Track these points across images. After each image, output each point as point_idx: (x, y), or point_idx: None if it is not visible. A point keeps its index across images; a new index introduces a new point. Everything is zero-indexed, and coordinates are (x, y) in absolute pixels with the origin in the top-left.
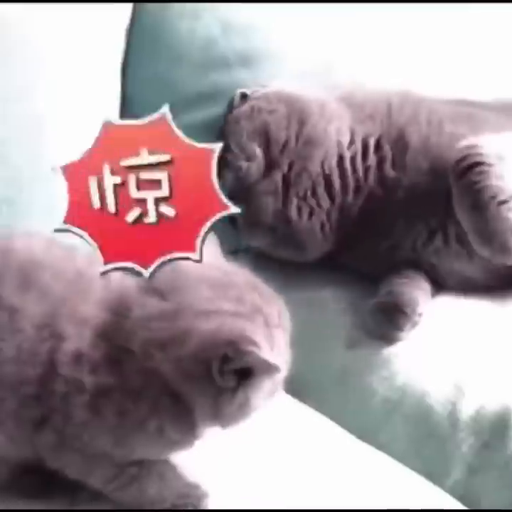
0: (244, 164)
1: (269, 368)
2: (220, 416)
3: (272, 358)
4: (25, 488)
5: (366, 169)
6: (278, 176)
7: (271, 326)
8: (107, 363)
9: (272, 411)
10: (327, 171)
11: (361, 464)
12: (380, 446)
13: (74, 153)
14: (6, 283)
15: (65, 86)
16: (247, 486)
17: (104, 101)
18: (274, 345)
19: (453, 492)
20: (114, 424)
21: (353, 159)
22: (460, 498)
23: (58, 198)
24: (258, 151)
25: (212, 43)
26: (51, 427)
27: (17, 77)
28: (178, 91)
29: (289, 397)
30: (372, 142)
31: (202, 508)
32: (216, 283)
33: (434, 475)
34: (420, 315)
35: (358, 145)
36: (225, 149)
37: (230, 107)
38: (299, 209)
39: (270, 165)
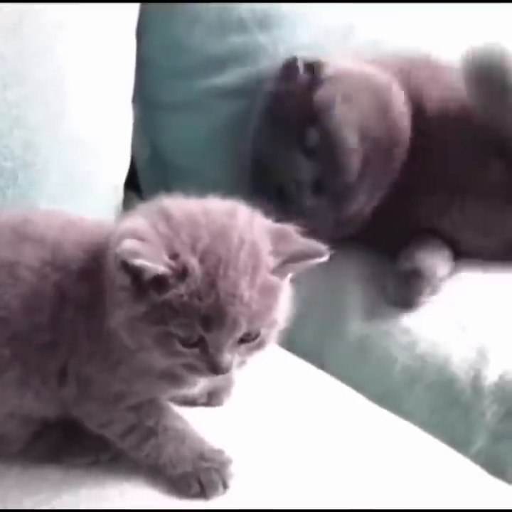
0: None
1: (138, 267)
2: (114, 319)
3: (161, 264)
4: (46, 451)
5: None
6: (373, 172)
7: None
8: (97, 278)
9: (293, 379)
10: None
11: (383, 431)
12: (402, 415)
13: (92, 115)
14: None
15: (83, 49)
16: (267, 455)
17: (121, 64)
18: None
19: (476, 460)
20: (104, 349)
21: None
22: (483, 466)
23: (77, 162)
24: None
25: (229, 5)
26: (72, 374)
27: (35, 38)
28: (194, 54)
29: (308, 365)
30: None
31: (227, 473)
32: None
33: (458, 443)
34: (440, 279)
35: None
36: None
37: (290, 70)
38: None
39: (365, 160)
